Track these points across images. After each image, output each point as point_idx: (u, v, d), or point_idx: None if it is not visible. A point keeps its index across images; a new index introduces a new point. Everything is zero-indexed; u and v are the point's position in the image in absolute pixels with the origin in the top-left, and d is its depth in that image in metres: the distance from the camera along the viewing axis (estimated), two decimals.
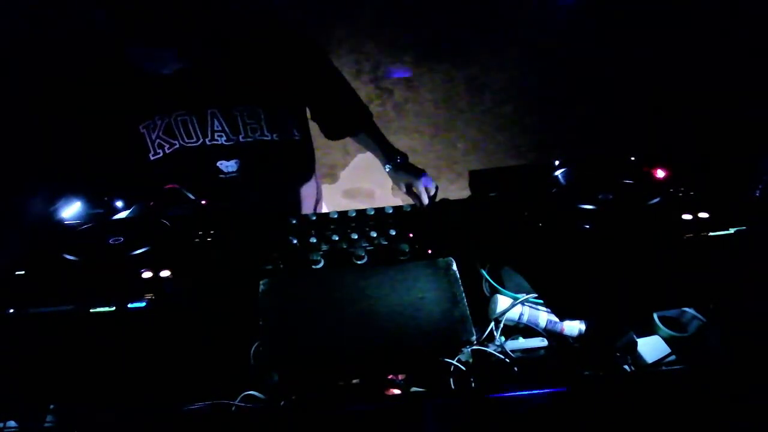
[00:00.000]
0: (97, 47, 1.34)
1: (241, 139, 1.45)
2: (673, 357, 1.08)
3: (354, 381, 1.03)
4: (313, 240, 1.23)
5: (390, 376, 1.03)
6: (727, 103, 2.77)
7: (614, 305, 1.01)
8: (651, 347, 1.10)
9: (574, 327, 1.12)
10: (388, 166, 1.64)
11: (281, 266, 1.18)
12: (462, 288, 1.06)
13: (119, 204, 1.32)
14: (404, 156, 1.65)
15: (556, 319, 1.12)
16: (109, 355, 0.94)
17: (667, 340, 1.12)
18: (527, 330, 1.15)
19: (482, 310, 1.16)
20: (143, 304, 0.88)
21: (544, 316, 1.13)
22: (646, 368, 1.07)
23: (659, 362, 1.07)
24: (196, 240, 1.07)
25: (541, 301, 1.14)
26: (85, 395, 0.99)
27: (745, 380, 0.96)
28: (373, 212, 1.32)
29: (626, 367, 1.08)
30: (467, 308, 1.02)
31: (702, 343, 1.10)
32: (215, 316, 1.06)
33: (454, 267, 1.10)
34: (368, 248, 1.21)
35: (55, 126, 1.59)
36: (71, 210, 1.26)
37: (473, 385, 1.02)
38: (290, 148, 1.53)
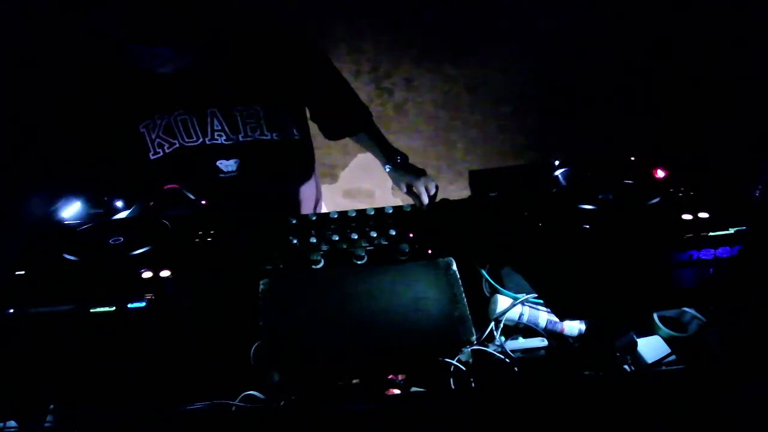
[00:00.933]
0: (97, 47, 1.34)
1: (240, 139, 1.45)
2: (673, 357, 1.08)
3: (354, 381, 1.03)
4: (313, 240, 1.23)
5: (390, 376, 1.03)
6: (727, 103, 2.77)
7: (614, 305, 1.01)
8: (651, 347, 1.10)
9: (574, 327, 1.12)
10: (388, 166, 1.64)
11: (281, 266, 1.19)
12: (462, 288, 1.06)
13: (119, 204, 1.32)
14: (404, 156, 1.65)
15: (556, 319, 1.12)
16: (109, 355, 0.94)
17: (667, 340, 1.12)
18: (527, 330, 1.15)
19: (482, 310, 1.16)
20: (143, 304, 0.88)
21: (544, 316, 1.13)
22: (646, 368, 1.07)
23: (659, 362, 1.07)
24: (196, 240, 1.07)
25: (541, 301, 1.14)
26: (85, 395, 0.99)
27: (745, 380, 0.96)
28: (373, 212, 1.32)
29: (626, 367, 1.08)
30: (467, 308, 1.02)
31: (702, 343, 1.10)
32: (215, 316, 1.07)
33: (454, 267, 1.10)
34: (368, 248, 1.21)
35: (56, 125, 1.59)
36: (71, 210, 1.26)
37: (473, 385, 1.02)
38: (290, 147, 1.53)
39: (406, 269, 1.10)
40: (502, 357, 1.08)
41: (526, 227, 1.05)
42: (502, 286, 1.17)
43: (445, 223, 1.31)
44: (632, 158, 1.20)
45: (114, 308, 0.88)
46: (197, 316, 1.01)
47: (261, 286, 1.07)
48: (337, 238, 1.24)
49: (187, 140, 1.43)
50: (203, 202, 1.31)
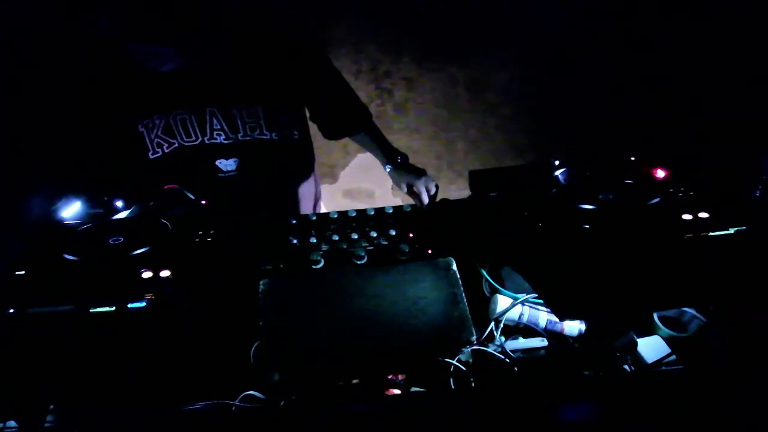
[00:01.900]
0: (97, 46, 1.34)
1: (240, 138, 1.45)
2: (673, 357, 1.08)
3: (354, 381, 1.03)
4: (313, 240, 1.23)
5: (390, 376, 1.03)
6: (727, 103, 2.77)
7: (614, 305, 1.00)
8: (651, 347, 1.10)
9: (574, 327, 1.12)
10: (388, 166, 1.64)
11: (281, 266, 1.18)
12: (462, 288, 1.06)
13: (119, 204, 1.32)
14: (404, 156, 1.65)
15: (556, 319, 1.12)
16: (109, 355, 0.94)
17: (667, 340, 1.12)
18: (527, 330, 1.15)
19: (482, 310, 1.16)
20: (143, 304, 0.88)
21: (544, 316, 1.13)
22: (646, 368, 1.07)
23: (659, 362, 1.07)
24: (196, 240, 1.07)
25: (541, 301, 1.14)
26: (85, 395, 0.99)
27: (745, 380, 0.96)
28: (373, 212, 1.32)
29: (626, 367, 1.08)
30: (467, 308, 1.02)
31: (702, 343, 1.10)
32: (215, 316, 1.06)
33: (454, 267, 1.10)
34: (368, 248, 1.21)
35: (56, 125, 1.59)
36: (71, 210, 1.26)
37: (473, 385, 1.02)
38: (289, 146, 1.53)
39: (406, 269, 1.10)
40: (502, 357, 1.08)
41: (526, 227, 1.05)
42: (502, 286, 1.17)
43: (445, 223, 1.31)
44: (632, 158, 1.20)
45: (114, 308, 0.88)
46: (197, 316, 1.01)
47: (261, 286, 1.07)
48: (337, 238, 1.24)
49: (186, 140, 1.43)
50: (203, 202, 1.30)
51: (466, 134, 3.42)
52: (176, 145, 1.43)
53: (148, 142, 1.42)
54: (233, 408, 0.98)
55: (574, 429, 0.95)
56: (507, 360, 1.08)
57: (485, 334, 1.10)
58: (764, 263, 0.93)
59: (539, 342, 1.12)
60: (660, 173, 1.11)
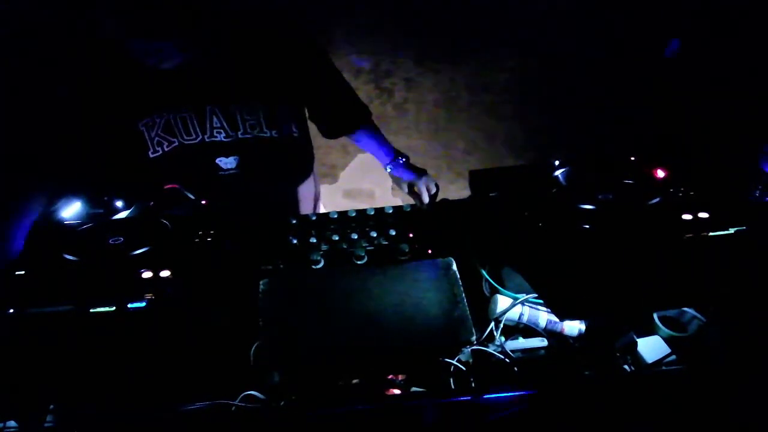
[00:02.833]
0: (97, 45, 1.34)
1: (240, 136, 1.46)
2: (673, 357, 1.08)
3: (354, 381, 1.03)
4: (313, 240, 1.23)
5: (390, 376, 1.03)
6: (727, 103, 2.77)
7: (614, 305, 1.01)
8: (651, 347, 1.10)
9: (574, 327, 1.12)
10: (389, 166, 1.64)
11: (281, 266, 1.18)
12: (462, 288, 1.06)
13: (119, 204, 1.32)
14: (405, 156, 1.65)
15: (556, 319, 1.12)
16: (109, 355, 0.94)
17: (667, 340, 1.12)
18: (527, 330, 1.15)
19: (482, 310, 1.16)
20: (143, 304, 0.88)
21: (544, 316, 1.13)
22: (646, 368, 1.07)
23: (659, 362, 1.07)
24: (196, 240, 1.07)
25: (541, 301, 1.14)
26: (85, 395, 0.99)
27: (745, 380, 0.96)
28: (373, 212, 1.32)
29: (626, 367, 1.08)
30: (467, 308, 1.02)
31: (702, 343, 1.10)
32: (215, 316, 1.06)
33: (454, 267, 1.10)
34: (368, 248, 1.21)
35: (56, 125, 1.59)
36: (71, 210, 1.26)
37: (473, 385, 1.02)
38: (289, 144, 1.53)
39: (406, 269, 1.10)
40: (502, 357, 1.08)
41: (526, 227, 1.05)
42: (502, 286, 1.17)
43: (445, 223, 1.31)
44: (632, 158, 1.20)
45: (114, 308, 0.88)
46: (197, 316, 1.01)
47: (261, 286, 1.07)
48: (337, 238, 1.24)
49: (186, 138, 1.43)
50: (203, 202, 1.30)
51: (466, 134, 3.42)
52: (176, 143, 1.43)
53: (148, 140, 1.42)
54: (233, 408, 0.98)
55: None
56: (507, 360, 1.08)
57: (485, 334, 1.10)
58: (764, 263, 0.93)
59: (539, 342, 1.12)
60: (660, 173, 1.11)
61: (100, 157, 1.49)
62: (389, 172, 1.66)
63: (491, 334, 1.11)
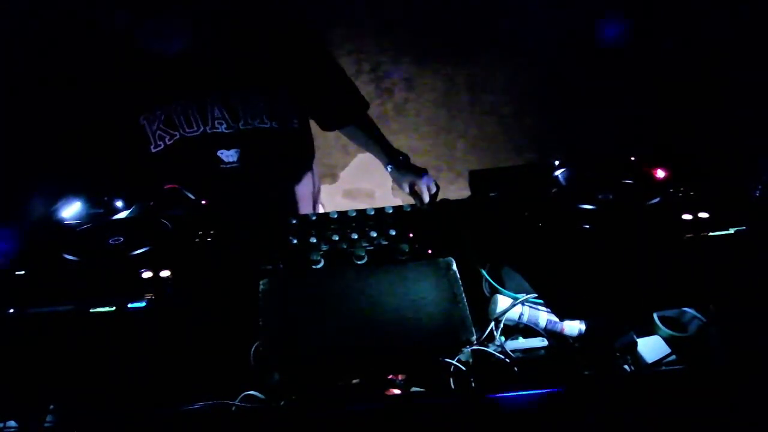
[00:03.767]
0: (97, 38, 1.34)
1: (241, 126, 1.46)
2: (673, 357, 1.08)
3: (354, 381, 1.03)
4: (313, 240, 1.23)
5: (390, 376, 1.03)
6: (727, 103, 2.77)
7: (614, 305, 1.01)
8: (651, 347, 1.10)
9: (574, 327, 1.12)
10: (390, 166, 1.64)
11: (281, 266, 1.18)
12: (462, 288, 1.06)
13: (119, 204, 1.32)
14: (406, 156, 1.65)
15: (556, 319, 1.12)
16: (109, 355, 0.94)
17: (667, 340, 1.12)
18: (527, 330, 1.15)
19: (482, 310, 1.16)
20: (143, 304, 0.88)
21: (544, 316, 1.13)
22: (646, 368, 1.07)
23: (659, 362, 1.07)
24: (196, 240, 1.07)
25: (541, 301, 1.14)
26: (85, 395, 0.99)
27: (745, 380, 0.96)
28: (373, 212, 1.32)
29: (626, 367, 1.08)
30: (467, 308, 1.02)
31: (702, 343, 1.10)
32: (215, 316, 1.06)
33: (454, 267, 1.10)
34: (368, 248, 1.21)
35: (57, 123, 1.59)
36: (71, 210, 1.26)
37: (473, 385, 1.02)
38: (289, 135, 1.53)
39: (406, 269, 1.10)
40: (502, 357, 1.08)
41: (526, 227, 1.05)
42: (502, 286, 1.17)
43: (445, 223, 1.31)
44: (632, 158, 1.20)
45: (114, 308, 0.88)
46: (197, 316, 1.01)
47: (261, 286, 1.07)
48: (337, 238, 1.24)
49: (187, 130, 1.44)
50: (203, 202, 1.31)
51: (466, 134, 3.42)
52: (178, 136, 1.43)
53: (150, 135, 1.42)
54: (233, 408, 0.98)
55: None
56: (507, 360, 1.08)
57: (485, 334, 1.10)
58: (764, 263, 0.93)
59: (539, 342, 1.12)
60: (660, 173, 1.11)
61: (102, 155, 1.49)
62: (390, 172, 1.66)
63: (491, 334, 1.11)
